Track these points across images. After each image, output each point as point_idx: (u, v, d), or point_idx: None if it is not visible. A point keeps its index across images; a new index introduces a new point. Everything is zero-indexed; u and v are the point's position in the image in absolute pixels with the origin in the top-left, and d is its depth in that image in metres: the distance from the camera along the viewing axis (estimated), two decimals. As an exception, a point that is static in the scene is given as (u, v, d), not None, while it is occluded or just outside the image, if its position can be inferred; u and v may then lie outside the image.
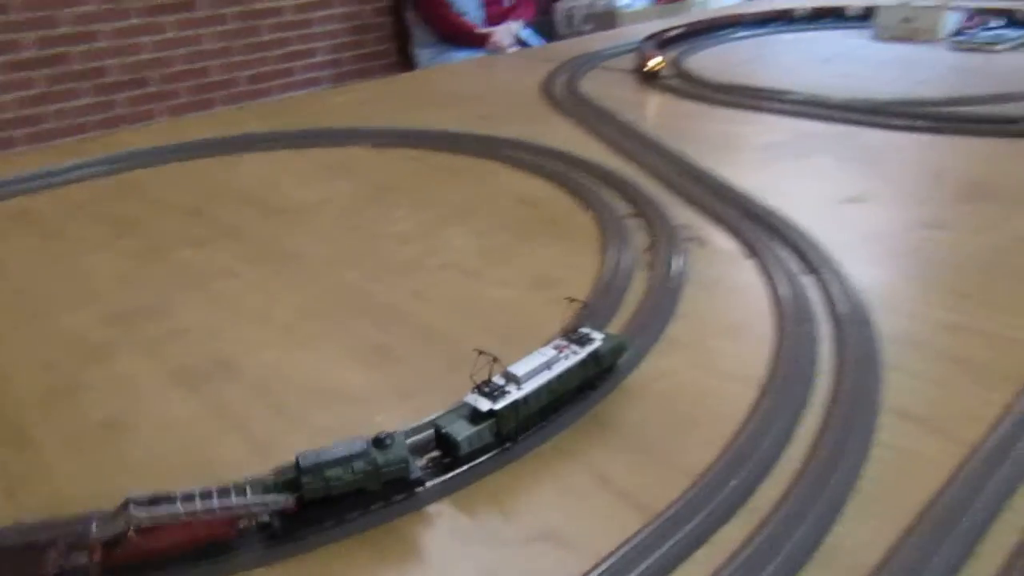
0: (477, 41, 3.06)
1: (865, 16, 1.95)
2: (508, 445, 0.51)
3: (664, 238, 0.82)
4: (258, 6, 3.36)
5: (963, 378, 0.58)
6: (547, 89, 1.53)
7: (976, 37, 1.71)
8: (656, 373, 0.60)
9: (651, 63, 1.53)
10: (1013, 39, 1.68)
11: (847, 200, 0.92)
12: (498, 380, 0.51)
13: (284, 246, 0.90)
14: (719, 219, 0.87)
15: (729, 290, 0.73)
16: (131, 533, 0.39)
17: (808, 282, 0.72)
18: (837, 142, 1.15)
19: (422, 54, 3.24)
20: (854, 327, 0.63)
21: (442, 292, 0.76)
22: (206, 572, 0.42)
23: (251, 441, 0.56)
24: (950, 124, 1.18)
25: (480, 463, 0.50)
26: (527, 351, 0.61)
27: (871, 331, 0.63)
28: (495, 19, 3.15)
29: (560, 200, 0.97)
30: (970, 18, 1.80)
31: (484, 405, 0.48)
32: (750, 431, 0.51)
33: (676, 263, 0.76)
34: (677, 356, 0.62)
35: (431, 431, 0.51)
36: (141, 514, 0.40)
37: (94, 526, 0.40)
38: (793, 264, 0.75)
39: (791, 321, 0.64)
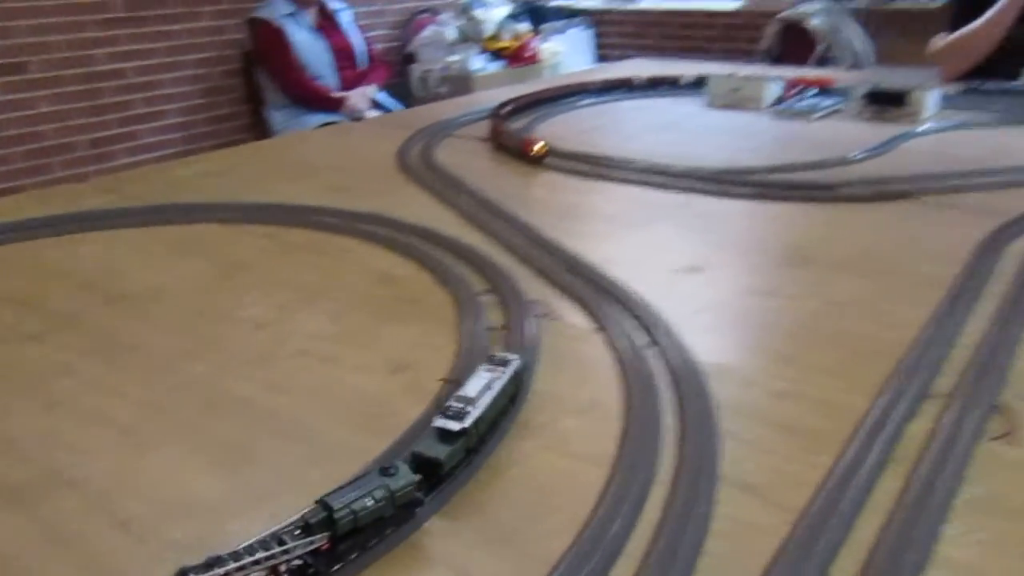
0: (332, 105, 3.06)
1: (698, 84, 2.11)
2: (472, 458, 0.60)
3: (517, 315, 0.84)
4: (99, 68, 3.22)
5: (791, 443, 0.63)
6: (403, 158, 1.55)
7: (795, 106, 1.88)
8: (511, 459, 0.61)
9: (536, 147, 1.46)
10: (826, 107, 1.86)
11: (686, 269, 0.99)
12: (455, 404, 0.59)
13: (126, 337, 0.86)
14: (569, 292, 0.91)
15: (580, 366, 0.76)
16: None
17: (652, 354, 0.76)
18: (676, 211, 1.23)
19: (276, 117, 3.20)
20: (693, 398, 0.67)
21: (299, 382, 0.75)
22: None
23: (91, 563, 0.53)
24: (775, 191, 1.29)
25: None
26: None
27: (709, 401, 0.67)
28: (349, 83, 3.17)
29: (417, 277, 0.98)
30: (789, 88, 1.98)
31: (455, 426, 0.57)
32: (602, 514, 0.54)
33: (529, 340, 0.78)
34: (531, 439, 0.64)
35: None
36: None
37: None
38: (638, 337, 0.79)
39: (637, 396, 0.68)
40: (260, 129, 3.39)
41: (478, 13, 3.32)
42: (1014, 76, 2.03)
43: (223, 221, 1.21)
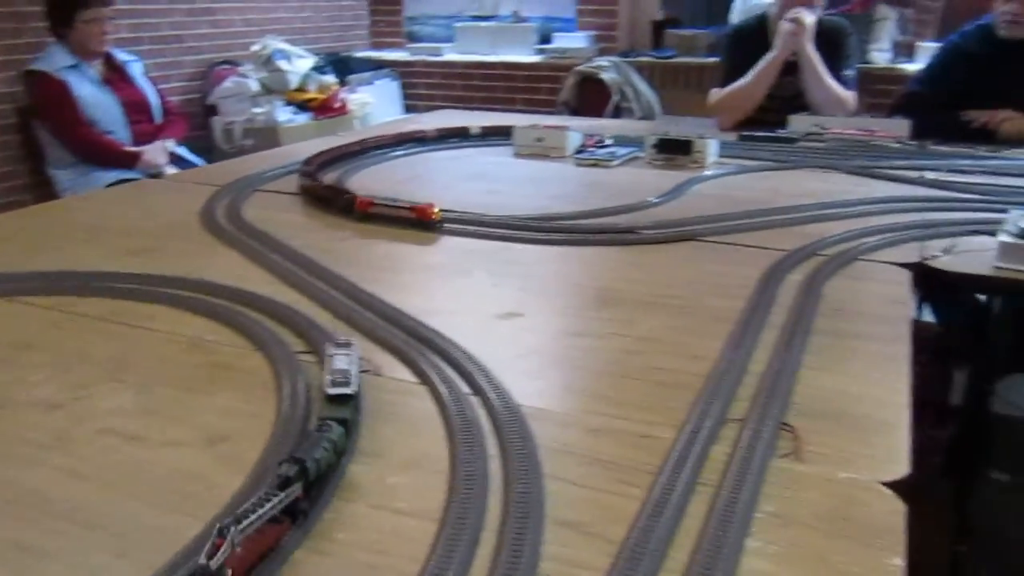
0: (126, 161, 2.87)
1: (497, 135, 2.19)
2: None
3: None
4: None
5: (609, 478, 0.66)
6: (208, 216, 1.48)
7: (595, 154, 2.00)
8: (339, 523, 0.60)
9: (435, 212, 1.38)
10: (623, 155, 1.99)
11: (504, 315, 1.02)
12: (335, 376, 0.74)
13: None
14: (390, 346, 0.91)
15: (404, 420, 0.76)
16: (236, 550, 0.51)
17: (476, 402, 0.77)
18: (492, 258, 1.26)
19: (61, 176, 2.95)
20: (517, 443, 0.69)
21: (101, 464, 0.69)
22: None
23: None
24: (584, 236, 1.36)
25: None
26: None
27: (532, 444, 0.70)
28: (145, 137, 2.98)
29: (230, 341, 0.94)
30: (589, 137, 2.11)
31: (348, 389, 0.73)
32: (432, 569, 0.54)
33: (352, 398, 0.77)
34: (359, 500, 0.63)
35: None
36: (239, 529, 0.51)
37: (204, 558, 0.49)
38: (461, 386, 0.81)
39: (461, 446, 0.69)
40: (43, 190, 3.11)
41: (281, 64, 3.27)
42: (781, 125, 2.28)
43: (2, 295, 1.10)
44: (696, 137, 1.94)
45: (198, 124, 3.48)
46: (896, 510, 0.62)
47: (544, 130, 2.07)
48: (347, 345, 0.81)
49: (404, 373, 0.85)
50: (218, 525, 0.51)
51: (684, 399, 0.78)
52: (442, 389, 0.79)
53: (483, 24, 4.04)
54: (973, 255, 1.26)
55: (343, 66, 3.88)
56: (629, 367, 0.88)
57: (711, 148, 1.95)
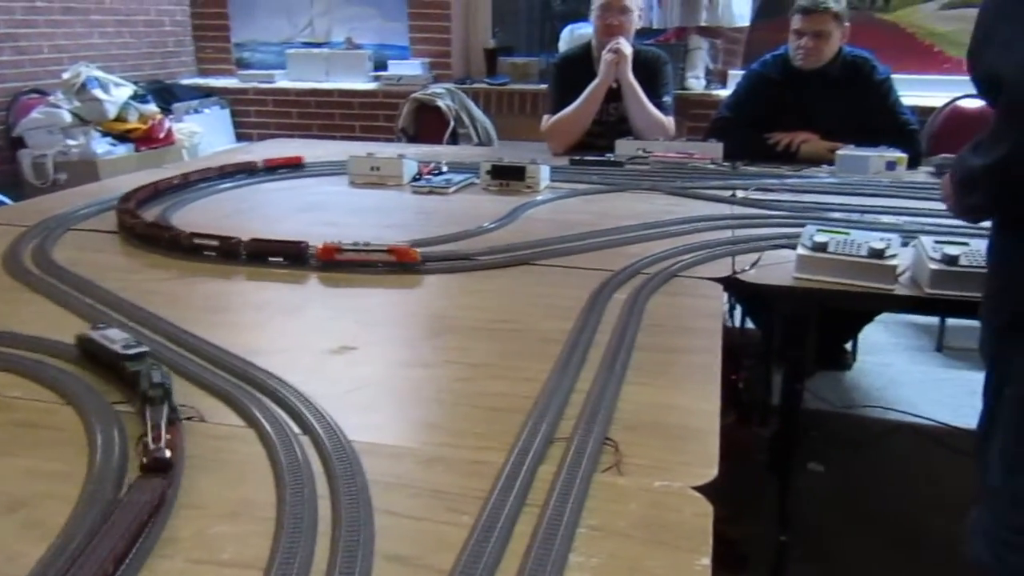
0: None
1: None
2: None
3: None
4: None
5: (440, 507, 0.67)
6: (12, 259, 1.37)
7: (431, 182, 2.02)
8: (156, 583, 0.57)
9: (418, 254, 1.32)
10: (459, 182, 2.03)
11: (338, 350, 1.01)
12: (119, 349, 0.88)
13: None
14: (215, 391, 0.87)
15: (229, 467, 0.74)
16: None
17: (305, 442, 0.76)
18: (327, 291, 1.25)
19: None
20: (347, 481, 0.68)
21: None
22: None
23: None
24: (420, 264, 1.36)
25: None
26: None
27: (363, 480, 0.69)
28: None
29: (35, 396, 0.87)
30: (425, 165, 2.12)
31: (138, 349, 0.89)
32: (257, 621, 0.52)
33: (174, 448, 0.74)
34: (178, 556, 0.60)
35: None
36: None
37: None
38: (292, 425, 0.79)
39: (289, 489, 0.67)
40: None
41: (96, 93, 3.07)
42: (610, 149, 2.40)
43: None
44: (529, 163, 2.00)
45: (3, 158, 3.21)
46: (704, 512, 0.66)
47: (380, 158, 2.07)
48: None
49: (230, 417, 0.82)
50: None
51: (515, 422, 0.80)
52: (270, 431, 0.77)
53: (316, 51, 3.98)
54: (777, 267, 1.38)
55: (167, 94, 3.70)
56: (462, 394, 0.89)
57: (543, 173, 2.02)
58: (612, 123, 2.56)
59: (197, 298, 1.21)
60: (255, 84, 3.97)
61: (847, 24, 2.37)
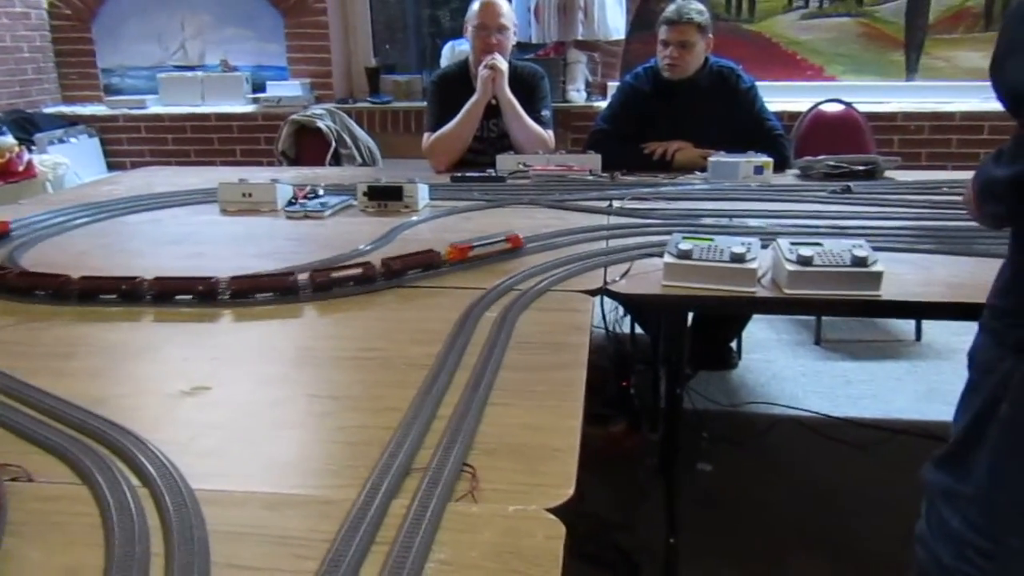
0: None
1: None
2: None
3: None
4: None
5: (283, 554, 0.64)
6: None
7: (306, 206, 1.97)
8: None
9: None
10: (335, 205, 1.99)
11: (190, 391, 0.96)
12: None
13: None
14: (48, 446, 0.81)
15: (58, 531, 0.68)
16: None
17: (144, 495, 0.72)
18: (184, 329, 1.19)
19: None
20: (186, 534, 0.65)
21: None
22: None
23: None
24: (283, 295, 1.32)
25: None
26: None
27: (203, 533, 0.66)
28: None
29: None
30: (300, 189, 2.07)
31: None
32: None
33: (-8, 516, 0.68)
34: (-15, 638, 0.55)
35: None
36: None
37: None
38: (132, 478, 0.74)
39: (121, 550, 0.63)
40: None
41: (-53, 127, 2.87)
42: (492, 165, 2.40)
43: None
44: (406, 182, 1.98)
45: None
46: (557, 534, 0.66)
47: (251, 185, 2.01)
48: None
49: (63, 474, 0.77)
50: None
51: (371, 456, 0.78)
52: (104, 487, 0.72)
53: (189, 74, 3.84)
54: (647, 276, 1.40)
55: (28, 124, 3.49)
56: (318, 430, 0.86)
57: (422, 192, 2.01)
58: (493, 139, 2.57)
59: (40, 345, 1.13)
60: (125, 111, 3.80)
61: (711, 35, 2.46)
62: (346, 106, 3.57)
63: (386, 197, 1.97)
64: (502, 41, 2.53)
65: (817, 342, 2.94)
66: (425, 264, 1.43)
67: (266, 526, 0.68)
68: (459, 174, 2.34)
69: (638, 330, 2.58)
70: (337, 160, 3.05)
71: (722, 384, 2.64)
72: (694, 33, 2.42)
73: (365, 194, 1.98)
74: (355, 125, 3.19)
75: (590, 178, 2.32)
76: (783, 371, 2.73)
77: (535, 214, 1.93)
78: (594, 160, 2.39)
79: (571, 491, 0.73)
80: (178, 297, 1.29)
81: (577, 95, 3.59)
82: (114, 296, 1.30)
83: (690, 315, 2.68)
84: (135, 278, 1.31)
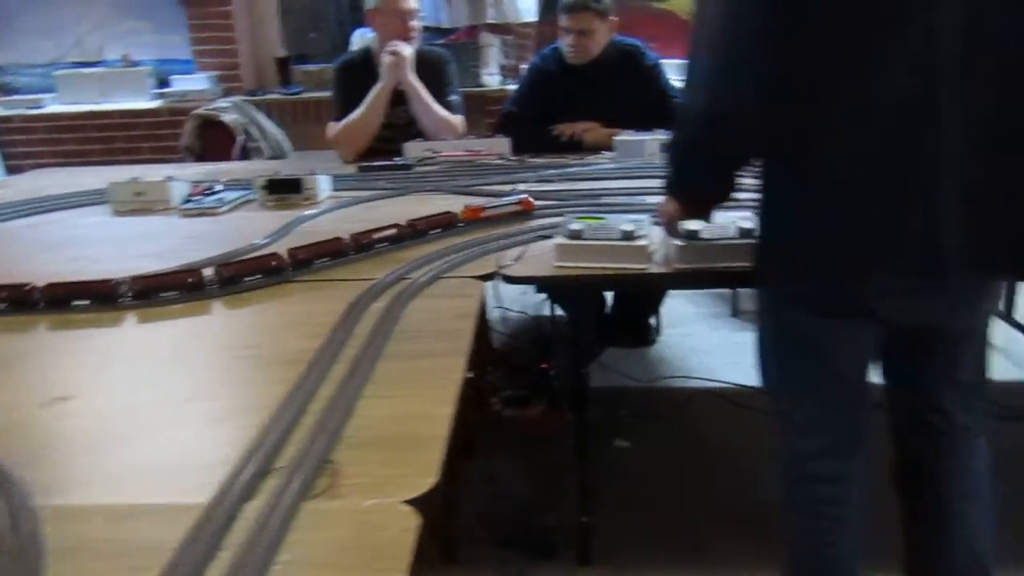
0: None
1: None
2: None
3: None
4: None
5: (122, 568, 0.61)
6: None
7: (202, 203, 1.91)
8: None
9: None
10: (233, 201, 1.93)
11: (48, 402, 0.92)
12: None
13: None
14: None
15: None
16: None
17: (-19, 515, 0.68)
18: (54, 336, 1.14)
19: None
20: (12, 556, 0.61)
21: None
22: None
23: None
24: (163, 295, 1.28)
25: None
26: None
27: (37, 550, 0.62)
28: None
29: None
30: (196, 185, 2.01)
31: None
32: None
33: None
34: None
35: None
36: None
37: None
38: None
39: (-58, 575, 0.60)
40: None
41: None
42: (398, 153, 2.37)
43: None
44: (306, 174, 1.94)
45: None
46: (411, 526, 0.65)
47: (144, 184, 1.94)
48: None
49: None
50: None
51: (232, 458, 0.75)
52: (-65, 510, 0.68)
53: (88, 71, 3.68)
54: (542, 258, 1.40)
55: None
56: (180, 434, 0.84)
57: (323, 184, 1.97)
58: (402, 126, 2.53)
59: None
60: (21, 111, 3.64)
61: (613, 18, 2.46)
62: (256, 98, 3.49)
63: (286, 190, 1.93)
64: (416, 27, 2.49)
65: (734, 314, 3.00)
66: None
67: (109, 538, 0.65)
68: (366, 163, 2.31)
69: (560, 311, 2.58)
70: (245, 154, 2.98)
71: (641, 360, 2.67)
72: (593, 20, 2.41)
73: (264, 188, 1.93)
74: (263, 118, 3.12)
75: (498, 162, 2.31)
76: (701, 344, 2.77)
77: (438, 201, 1.91)
78: (503, 144, 2.37)
79: (432, 480, 0.72)
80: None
81: (491, 79, 3.58)
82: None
83: (610, 294, 2.73)
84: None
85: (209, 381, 0.97)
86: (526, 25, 3.63)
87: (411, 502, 0.69)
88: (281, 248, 1.38)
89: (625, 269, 1.34)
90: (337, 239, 1.41)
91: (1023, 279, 1.07)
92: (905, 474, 1.25)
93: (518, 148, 2.36)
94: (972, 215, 0.98)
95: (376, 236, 1.47)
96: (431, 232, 1.55)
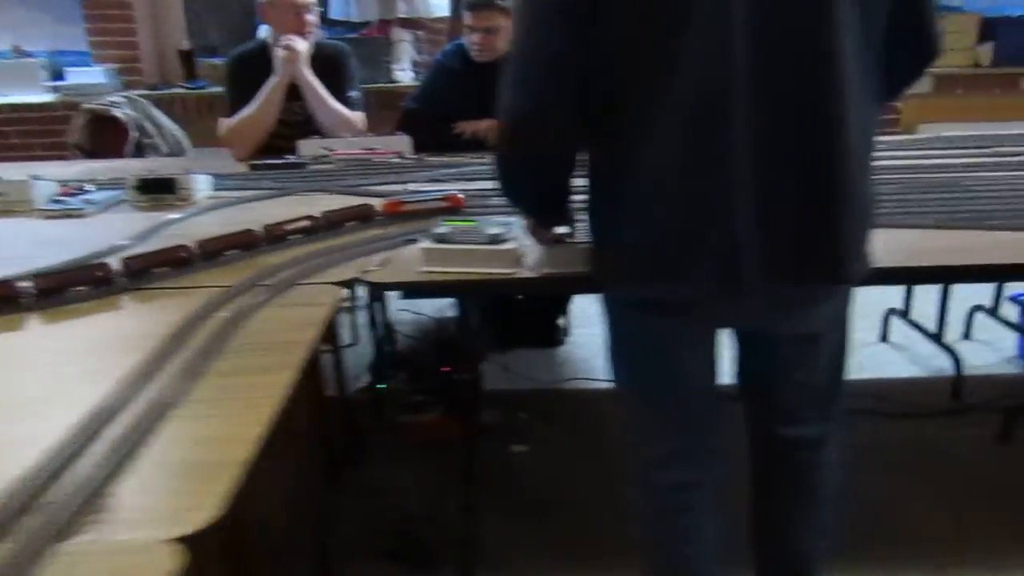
0: None
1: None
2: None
3: None
4: None
5: None
6: None
7: (68, 204, 1.80)
8: None
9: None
10: (103, 202, 1.82)
11: None
12: None
13: None
14: None
15: None
16: None
17: None
18: None
19: None
20: None
21: None
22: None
23: None
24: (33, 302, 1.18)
25: None
26: None
27: None
28: None
29: None
30: (65, 185, 1.90)
31: None
32: None
33: None
34: None
35: None
36: None
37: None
38: None
39: None
40: None
41: None
42: (292, 151, 2.28)
43: None
44: (181, 174, 1.85)
45: None
46: (170, 569, 0.59)
47: (5, 183, 1.82)
48: None
49: None
50: None
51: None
52: None
53: (-25, 62, 3.50)
54: (411, 262, 1.34)
55: None
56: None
57: (200, 184, 1.88)
58: (299, 123, 2.44)
59: None
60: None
61: (516, 13, 2.42)
62: (158, 92, 3.35)
63: (159, 191, 1.83)
64: (312, 20, 2.40)
65: (645, 313, 2.99)
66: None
67: None
68: (258, 162, 2.22)
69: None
70: (139, 151, 2.85)
71: (548, 361, 2.64)
72: (498, 17, 2.37)
73: (136, 188, 1.83)
74: (159, 113, 2.99)
75: (396, 161, 2.25)
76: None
77: (323, 202, 1.83)
78: (403, 142, 2.31)
79: (213, 514, 0.66)
80: None
81: (403, 74, 3.50)
82: None
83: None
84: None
85: (6, 404, 0.89)
86: (438, 20, 3.57)
87: (185, 539, 0.63)
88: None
89: (492, 274, 1.29)
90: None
91: (809, 283, 1.02)
92: (753, 477, 1.25)
93: (420, 146, 2.30)
94: (765, 219, 0.94)
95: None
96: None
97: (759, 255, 0.95)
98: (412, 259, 1.34)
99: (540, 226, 1.26)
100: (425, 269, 1.30)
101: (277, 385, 0.90)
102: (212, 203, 1.83)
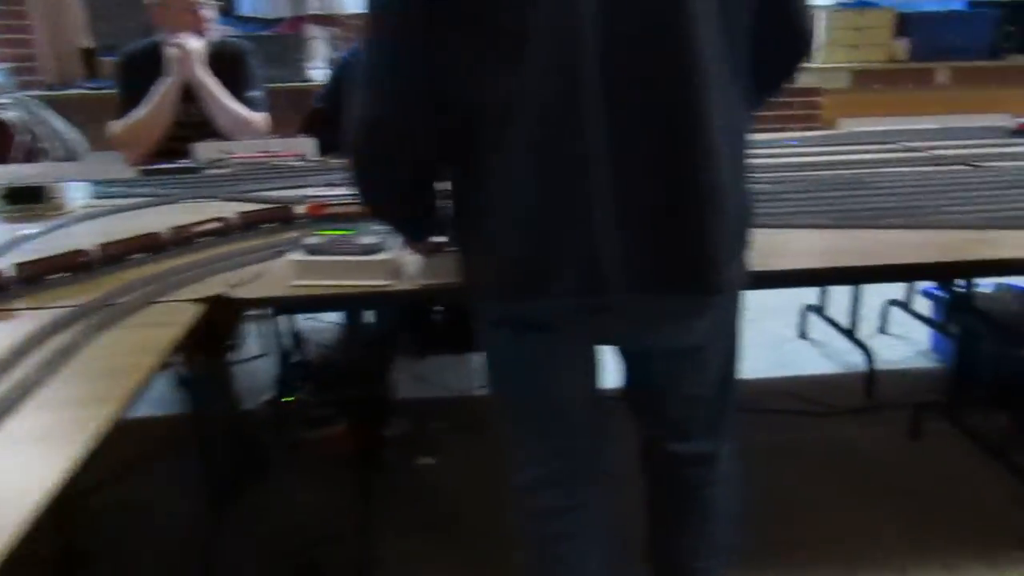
0: None
1: None
2: None
3: None
4: None
5: None
6: None
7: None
8: None
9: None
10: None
11: None
12: None
13: None
14: None
15: None
16: None
17: None
18: None
19: None
20: None
21: None
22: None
23: None
24: None
25: None
26: None
27: None
28: None
29: None
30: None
31: None
32: None
33: None
34: None
35: None
36: None
37: None
38: None
39: None
40: None
41: None
42: (187, 154, 2.17)
43: None
44: (50, 182, 1.73)
45: None
46: None
47: None
48: None
49: None
50: None
51: None
52: None
53: None
54: (282, 275, 1.26)
55: None
56: None
57: (73, 192, 1.76)
58: (196, 125, 2.31)
59: None
60: None
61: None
62: (56, 93, 3.18)
63: (28, 200, 1.70)
64: (207, 16, 2.28)
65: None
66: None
67: None
68: (148, 167, 2.10)
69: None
70: (30, 156, 2.69)
71: (465, 368, 2.57)
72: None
73: (3, 197, 1.70)
74: (53, 115, 2.82)
75: (298, 164, 2.15)
76: (529, 348, 2.69)
77: (205, 209, 1.72)
78: (305, 144, 2.21)
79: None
80: None
81: (316, 72, 3.39)
82: None
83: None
84: None
85: None
86: (353, 16, 3.46)
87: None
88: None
89: (367, 287, 1.22)
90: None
91: (677, 294, 0.95)
92: (646, 492, 1.21)
93: (326, 148, 2.21)
94: (624, 226, 0.88)
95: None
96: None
97: (621, 265, 0.89)
98: (285, 272, 1.26)
99: (412, 238, 1.19)
100: (296, 283, 1.22)
101: (89, 421, 0.81)
102: (87, 212, 1.71)
